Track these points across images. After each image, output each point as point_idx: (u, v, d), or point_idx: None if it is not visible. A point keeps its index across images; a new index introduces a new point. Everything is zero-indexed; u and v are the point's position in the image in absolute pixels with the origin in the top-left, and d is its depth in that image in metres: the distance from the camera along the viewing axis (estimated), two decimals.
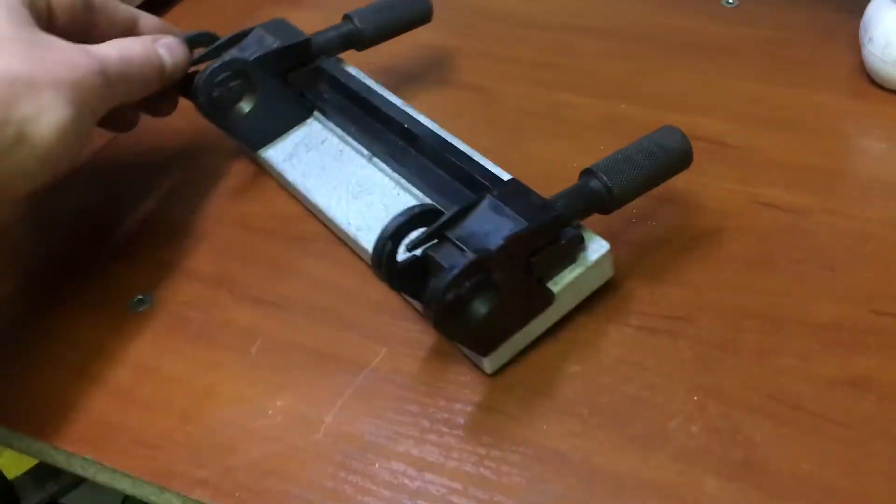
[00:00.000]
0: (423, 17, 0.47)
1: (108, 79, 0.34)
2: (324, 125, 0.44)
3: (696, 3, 0.55)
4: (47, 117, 0.31)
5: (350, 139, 0.42)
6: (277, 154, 0.43)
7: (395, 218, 0.31)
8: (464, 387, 0.33)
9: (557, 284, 0.33)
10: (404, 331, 0.36)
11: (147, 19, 0.41)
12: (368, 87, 0.43)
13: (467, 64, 0.52)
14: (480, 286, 0.30)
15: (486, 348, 0.32)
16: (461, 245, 0.31)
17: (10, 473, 0.51)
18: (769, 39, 0.51)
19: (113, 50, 0.35)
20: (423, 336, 0.35)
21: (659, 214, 0.40)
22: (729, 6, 0.54)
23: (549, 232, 0.32)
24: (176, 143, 0.48)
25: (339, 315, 0.37)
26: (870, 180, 0.41)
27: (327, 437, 0.32)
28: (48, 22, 0.35)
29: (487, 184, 0.36)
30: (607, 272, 0.35)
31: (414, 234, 0.32)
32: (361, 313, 0.37)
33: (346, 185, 0.40)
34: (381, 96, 0.42)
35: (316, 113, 0.44)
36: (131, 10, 0.40)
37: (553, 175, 0.42)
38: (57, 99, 0.31)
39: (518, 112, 0.47)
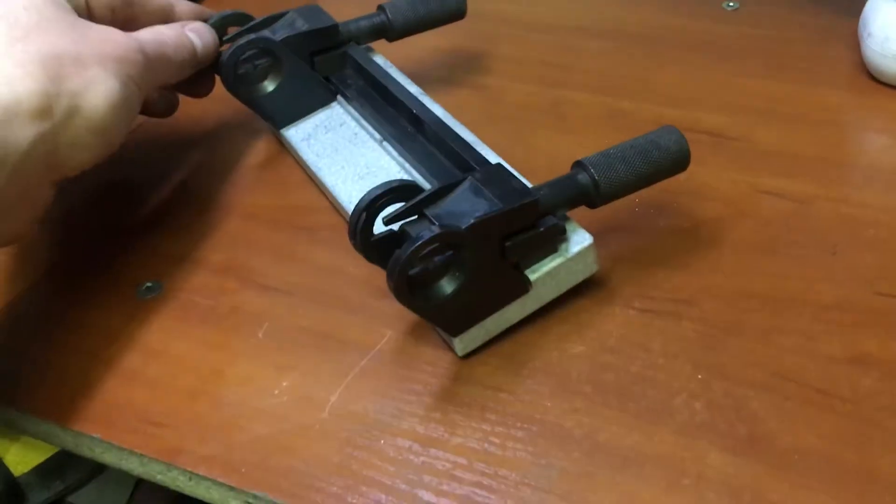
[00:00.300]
0: (457, 13, 0.47)
1: (148, 58, 0.36)
2: (344, 109, 0.45)
3: (697, 5, 0.56)
4: (97, 90, 0.32)
5: (365, 123, 0.43)
6: (298, 133, 0.44)
7: (371, 190, 0.32)
8: (469, 367, 0.34)
9: (535, 273, 0.33)
10: (410, 314, 0.36)
11: (182, 5, 0.42)
12: (387, 74, 0.43)
13: (473, 64, 0.52)
14: (449, 264, 0.31)
15: (455, 328, 0.33)
16: (436, 222, 0.31)
17: (17, 470, 0.51)
18: (770, 39, 0.52)
19: (148, 34, 0.37)
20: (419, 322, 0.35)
21: (662, 203, 0.40)
22: (730, 9, 0.55)
23: (524, 217, 0.32)
24: (196, 128, 0.49)
25: (344, 300, 0.37)
26: (870, 169, 0.41)
27: (333, 415, 0.32)
28: (87, 17, 0.36)
29: (479, 168, 0.36)
30: (591, 266, 0.35)
31: (393, 209, 0.32)
32: (367, 298, 0.37)
33: (355, 167, 0.41)
34: (396, 83, 0.43)
35: (339, 97, 0.45)
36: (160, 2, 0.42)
37: (556, 168, 0.42)
38: (103, 73, 0.33)
39: (522, 108, 0.48)
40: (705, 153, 0.43)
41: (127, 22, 0.39)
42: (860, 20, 0.47)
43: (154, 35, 0.37)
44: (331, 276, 0.38)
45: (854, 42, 0.49)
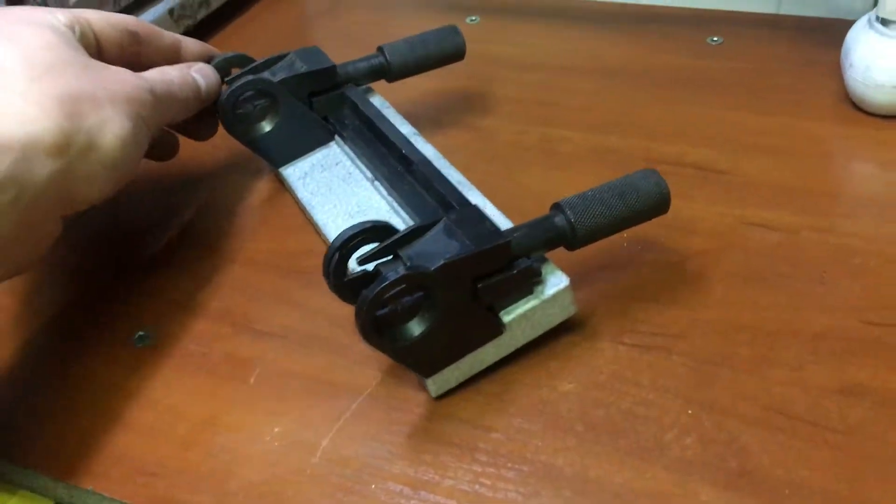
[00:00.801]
0: (455, 55, 0.48)
1: (156, 97, 0.37)
2: (341, 148, 0.45)
3: (682, 41, 0.56)
4: (110, 128, 0.34)
5: (359, 162, 0.44)
6: (295, 172, 0.45)
7: (344, 231, 0.32)
8: (460, 407, 0.34)
9: (510, 314, 0.33)
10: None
11: (189, 44, 0.44)
12: (380, 114, 0.44)
13: (464, 104, 0.53)
14: (419, 306, 0.31)
15: (427, 370, 0.33)
16: (408, 262, 0.32)
17: None
18: (753, 72, 0.52)
19: (155, 74, 0.39)
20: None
21: (650, 238, 0.40)
22: (714, 44, 0.56)
23: (496, 259, 0.32)
24: (195, 170, 0.49)
25: (335, 343, 0.37)
26: (856, 199, 0.41)
27: (324, 460, 0.32)
28: (97, 55, 0.38)
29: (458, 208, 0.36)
30: (568, 308, 0.35)
31: (368, 249, 0.33)
32: (357, 341, 0.36)
33: (347, 205, 0.41)
34: (389, 123, 0.43)
35: (336, 137, 0.46)
36: (175, 37, 0.43)
37: (545, 206, 0.43)
38: (116, 112, 0.34)
39: (512, 147, 0.48)
40: (692, 187, 0.43)
41: (135, 58, 0.40)
42: (842, 51, 0.48)
43: (161, 75, 0.39)
44: (323, 319, 0.38)
45: (836, 72, 0.49)
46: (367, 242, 0.33)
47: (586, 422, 0.32)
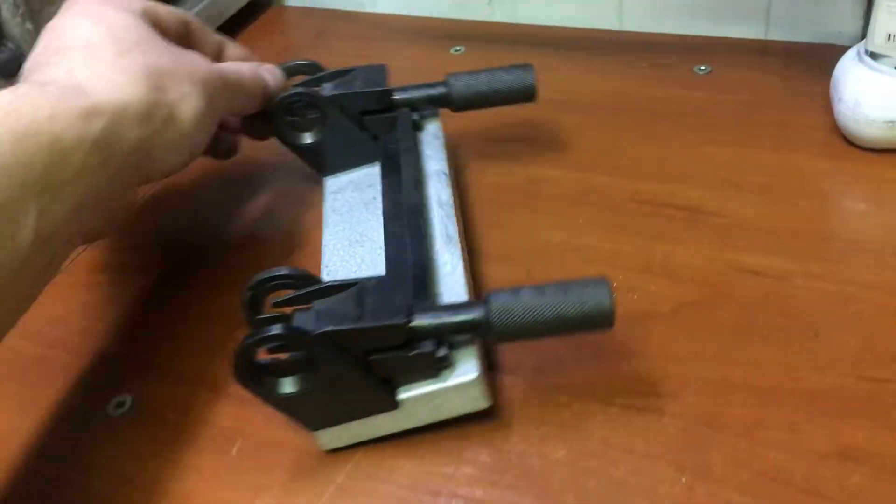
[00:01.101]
0: (524, 95, 0.46)
1: (227, 84, 0.39)
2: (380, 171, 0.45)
3: (668, 71, 0.56)
4: (189, 102, 0.36)
5: (381, 189, 0.43)
6: (332, 185, 0.45)
7: (261, 272, 0.33)
8: (448, 479, 0.33)
9: (407, 392, 0.32)
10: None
11: (233, 48, 0.45)
12: (412, 146, 0.43)
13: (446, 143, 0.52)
14: (302, 364, 0.30)
15: (308, 424, 0.33)
16: (315, 317, 0.31)
17: None
18: (742, 104, 0.51)
19: (226, 64, 0.41)
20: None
21: (640, 286, 0.40)
22: (702, 73, 0.55)
23: (391, 337, 0.31)
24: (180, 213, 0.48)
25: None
26: (849, 242, 0.41)
27: None
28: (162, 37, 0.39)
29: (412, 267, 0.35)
30: (476, 400, 0.33)
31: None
32: None
33: (353, 232, 0.41)
34: (415, 156, 0.42)
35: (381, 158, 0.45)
36: (220, 38, 0.44)
37: (533, 251, 0.42)
38: (193, 89, 0.36)
39: (498, 190, 0.47)
40: (682, 230, 0.42)
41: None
42: (831, 83, 0.47)
43: (233, 66, 0.41)
44: None
45: (826, 103, 0.48)
46: (287, 287, 0.33)
47: (578, 492, 0.32)
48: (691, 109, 0.51)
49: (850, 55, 0.46)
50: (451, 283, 0.36)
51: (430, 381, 0.32)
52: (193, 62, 0.38)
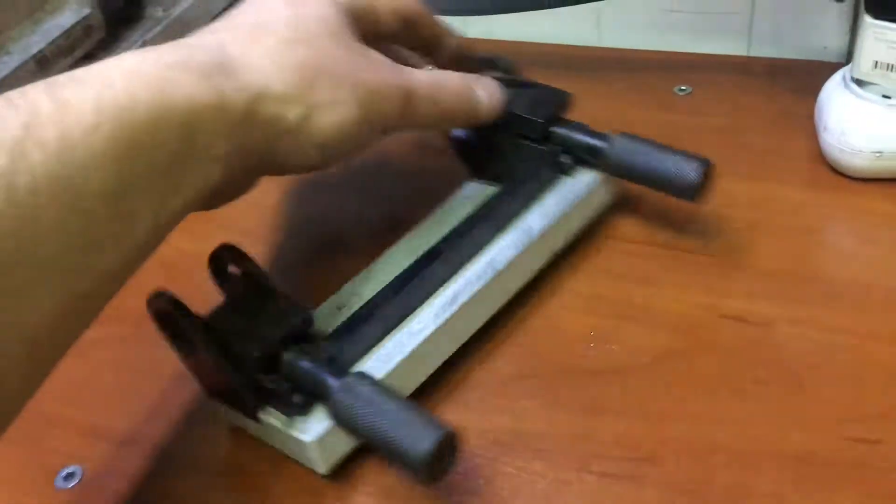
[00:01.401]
0: (681, 192, 0.39)
1: (410, 101, 0.35)
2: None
3: (648, 91, 0.53)
4: (336, 110, 0.33)
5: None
6: (461, 193, 0.43)
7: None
8: None
9: (265, 415, 0.33)
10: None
11: (450, 48, 0.42)
12: (528, 189, 0.40)
13: (407, 178, 0.50)
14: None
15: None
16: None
17: None
18: (724, 128, 0.49)
19: (426, 76, 0.37)
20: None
21: (619, 335, 0.38)
22: (682, 94, 0.53)
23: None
24: None
25: (265, 492, 0.34)
26: (835, 283, 0.39)
27: None
28: (374, 36, 0.37)
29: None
30: (314, 463, 0.33)
31: None
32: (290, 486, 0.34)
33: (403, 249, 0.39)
34: (512, 202, 0.40)
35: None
36: (441, 32, 0.41)
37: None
38: (350, 97, 0.33)
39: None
40: (660, 270, 0.41)
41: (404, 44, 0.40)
42: (815, 109, 0.45)
43: (432, 79, 0.37)
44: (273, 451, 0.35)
45: (811, 127, 0.46)
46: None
47: None
48: (670, 135, 0.48)
49: (835, 80, 0.44)
50: (394, 345, 0.34)
51: (284, 418, 0.33)
52: (370, 69, 0.34)
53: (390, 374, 0.34)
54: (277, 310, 0.34)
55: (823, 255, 0.41)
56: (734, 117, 0.50)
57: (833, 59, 0.54)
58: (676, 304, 0.39)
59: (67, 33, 0.52)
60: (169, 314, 0.31)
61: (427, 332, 0.35)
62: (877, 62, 0.41)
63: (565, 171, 0.41)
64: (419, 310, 0.36)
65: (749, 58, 0.56)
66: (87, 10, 0.53)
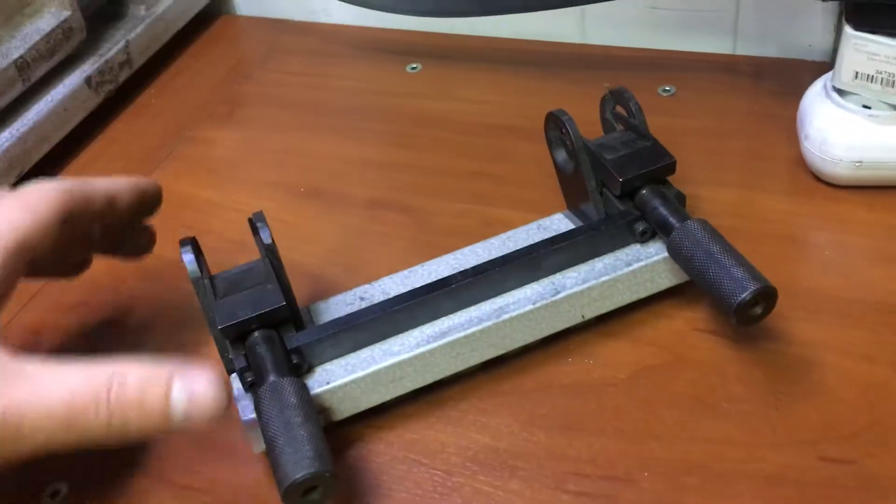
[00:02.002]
0: (729, 313, 0.33)
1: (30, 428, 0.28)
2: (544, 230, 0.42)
3: (632, 92, 0.53)
4: None
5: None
6: (543, 224, 0.42)
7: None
8: None
9: None
10: None
11: (118, 183, 0.36)
12: (585, 234, 0.38)
13: (398, 179, 0.50)
14: None
15: None
16: None
17: None
18: (707, 132, 0.49)
19: (59, 394, 0.28)
20: None
21: (596, 351, 0.38)
22: (666, 94, 0.53)
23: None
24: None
25: (256, 496, 0.35)
26: (813, 296, 0.39)
27: None
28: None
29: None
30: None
31: None
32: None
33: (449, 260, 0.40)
34: (550, 245, 0.38)
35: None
36: (104, 186, 0.35)
37: None
38: None
39: (451, 234, 0.45)
40: None
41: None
42: (797, 117, 0.45)
43: (62, 405, 0.28)
44: (254, 471, 0.36)
45: (793, 130, 0.46)
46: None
47: None
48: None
49: (816, 88, 0.44)
50: (365, 358, 0.35)
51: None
52: None
53: (347, 385, 0.35)
54: (265, 291, 0.35)
55: (803, 266, 0.41)
56: (717, 119, 0.50)
57: (818, 58, 0.54)
58: (654, 318, 0.39)
59: (48, 37, 0.51)
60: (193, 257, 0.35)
61: (400, 358, 0.35)
62: (857, 73, 0.41)
63: (637, 237, 0.38)
64: (410, 332, 0.36)
65: (734, 56, 0.55)
66: (66, 13, 0.53)
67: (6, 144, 0.49)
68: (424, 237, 0.45)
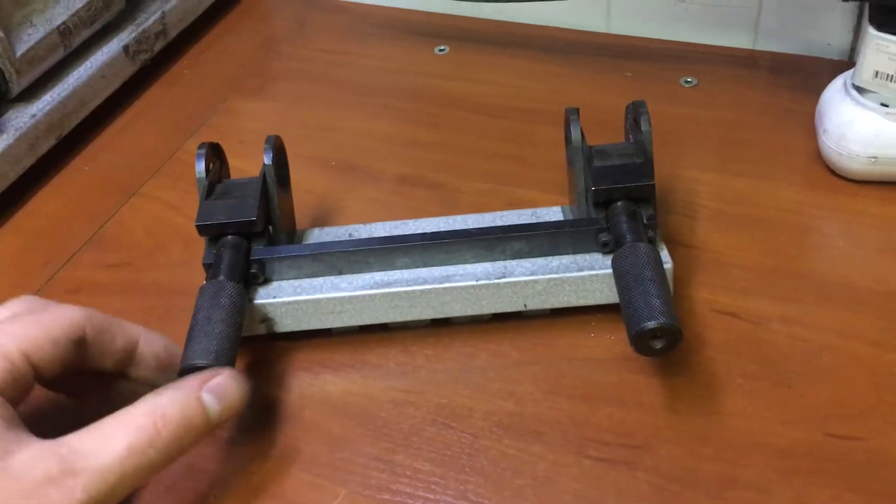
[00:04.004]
0: (629, 338, 0.34)
1: (103, 497, 0.28)
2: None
3: (655, 83, 0.55)
4: None
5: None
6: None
7: None
8: None
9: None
10: (363, 468, 0.36)
11: (151, 340, 0.35)
12: (561, 229, 0.40)
13: (426, 157, 0.51)
14: None
15: None
16: None
17: None
18: (727, 123, 0.51)
19: (118, 443, 0.29)
20: (384, 474, 0.35)
21: (617, 328, 0.40)
22: (688, 85, 0.54)
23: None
24: None
25: (297, 452, 0.36)
26: (826, 283, 0.41)
27: None
28: (34, 385, 0.31)
29: None
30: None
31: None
32: (320, 450, 0.36)
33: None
34: (527, 230, 0.40)
35: None
36: (132, 334, 0.35)
37: None
38: None
39: (477, 212, 0.47)
40: None
41: (81, 366, 0.33)
42: (816, 113, 0.47)
43: (135, 437, 0.29)
44: (284, 421, 0.38)
45: (811, 125, 0.48)
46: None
47: None
48: (674, 128, 0.51)
49: (836, 85, 0.46)
50: (312, 285, 0.40)
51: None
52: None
53: (290, 303, 0.39)
54: (245, 203, 0.40)
55: (817, 254, 0.43)
56: (737, 112, 0.52)
57: (836, 57, 0.55)
58: (674, 299, 0.41)
59: (89, 5, 0.53)
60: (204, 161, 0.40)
61: (342, 294, 0.39)
62: (877, 72, 0.42)
63: (600, 247, 0.39)
64: (362, 274, 0.40)
65: (754, 51, 0.57)
66: None
67: (47, 108, 0.51)
68: (451, 212, 0.47)
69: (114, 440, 0.29)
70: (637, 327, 0.33)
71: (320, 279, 0.40)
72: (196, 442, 0.31)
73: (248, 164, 0.52)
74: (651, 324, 0.33)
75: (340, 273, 0.40)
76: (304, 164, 0.51)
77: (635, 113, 0.41)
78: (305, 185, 0.48)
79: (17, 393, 0.30)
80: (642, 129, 0.40)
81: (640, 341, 0.34)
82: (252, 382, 0.39)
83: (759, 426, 0.35)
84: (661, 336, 0.34)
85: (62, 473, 0.27)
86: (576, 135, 0.41)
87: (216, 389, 0.32)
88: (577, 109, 0.42)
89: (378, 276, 0.40)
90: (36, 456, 0.28)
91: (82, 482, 0.27)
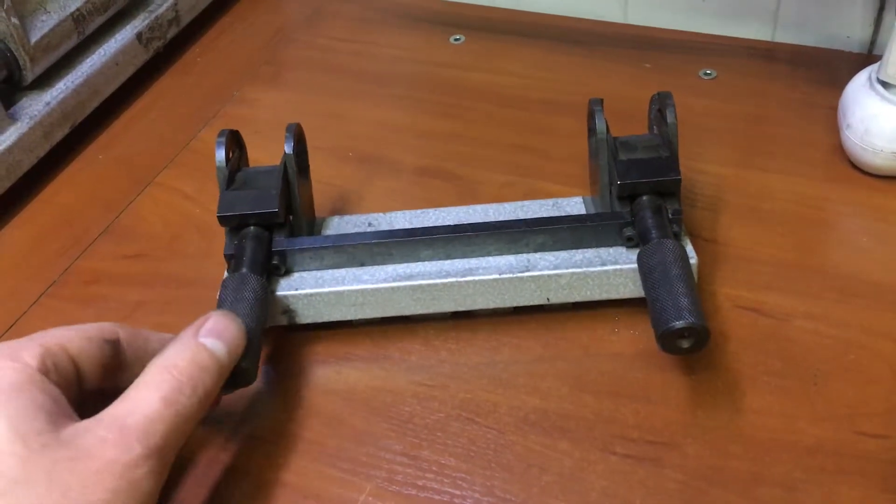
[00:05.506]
0: (656, 336, 0.34)
1: (158, 447, 0.28)
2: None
3: (674, 74, 0.54)
4: None
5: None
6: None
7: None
8: None
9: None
10: (388, 463, 0.35)
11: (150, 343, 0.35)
12: (587, 223, 0.39)
13: (445, 148, 0.51)
14: None
15: None
16: None
17: None
18: (747, 116, 0.51)
19: (152, 396, 0.29)
20: (409, 470, 0.35)
21: (642, 324, 0.40)
22: (707, 77, 0.54)
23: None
24: None
25: (322, 447, 0.36)
26: (850, 280, 0.41)
27: None
28: (76, 384, 0.31)
29: None
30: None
31: None
32: (344, 444, 0.36)
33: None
34: (551, 223, 0.39)
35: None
36: (164, 337, 0.35)
37: None
38: None
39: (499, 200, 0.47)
40: None
41: (116, 370, 0.33)
42: (839, 107, 0.47)
43: (159, 393, 0.29)
44: (309, 416, 0.37)
45: (832, 119, 0.48)
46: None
47: None
48: (694, 121, 0.50)
49: (860, 80, 0.45)
50: (334, 277, 0.39)
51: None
52: (87, 479, 0.27)
53: (312, 295, 0.39)
54: (267, 194, 0.39)
55: (839, 250, 0.43)
56: (757, 105, 0.51)
57: (855, 50, 0.55)
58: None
59: None
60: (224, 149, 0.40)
61: (365, 286, 0.39)
62: None
63: (624, 241, 0.39)
64: (385, 266, 0.40)
65: (773, 43, 0.57)
66: None
67: (61, 96, 0.50)
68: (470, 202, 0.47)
69: (147, 398, 0.29)
70: (665, 326, 0.33)
71: (342, 271, 0.40)
72: (218, 384, 0.32)
73: (263, 154, 0.52)
74: (679, 323, 0.33)
75: (362, 265, 0.40)
76: (323, 155, 0.51)
77: (661, 104, 0.41)
78: (323, 175, 0.48)
79: (60, 379, 0.30)
80: (668, 120, 0.40)
81: (668, 340, 0.34)
82: (273, 375, 0.39)
83: (786, 424, 0.35)
84: (688, 336, 0.33)
85: (114, 433, 0.28)
86: (601, 126, 0.40)
87: (212, 331, 0.32)
88: (602, 100, 0.41)
89: (400, 268, 0.40)
90: (85, 426, 0.28)
91: (135, 435, 0.28)
